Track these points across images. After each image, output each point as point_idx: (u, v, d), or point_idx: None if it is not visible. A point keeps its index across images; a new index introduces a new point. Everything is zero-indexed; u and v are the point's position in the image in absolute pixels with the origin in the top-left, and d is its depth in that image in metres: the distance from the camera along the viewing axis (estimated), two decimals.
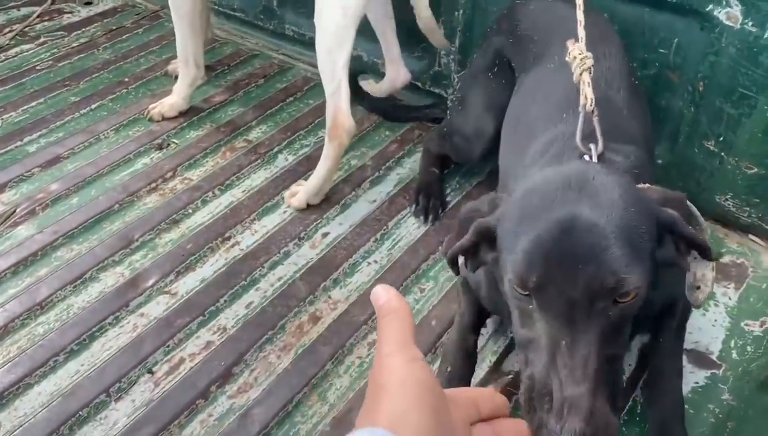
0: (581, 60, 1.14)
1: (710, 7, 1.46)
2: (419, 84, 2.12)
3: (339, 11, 1.59)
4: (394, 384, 0.49)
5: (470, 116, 1.65)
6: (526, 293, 0.83)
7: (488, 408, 0.59)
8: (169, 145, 1.96)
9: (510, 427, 0.61)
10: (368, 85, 2.12)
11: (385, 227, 1.70)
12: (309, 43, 2.30)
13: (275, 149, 1.95)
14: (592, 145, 1.04)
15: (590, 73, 1.14)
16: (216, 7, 2.52)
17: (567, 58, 1.17)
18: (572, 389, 0.76)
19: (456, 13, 1.92)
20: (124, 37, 2.46)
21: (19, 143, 1.93)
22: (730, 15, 1.43)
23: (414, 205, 1.74)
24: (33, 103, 2.09)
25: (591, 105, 1.09)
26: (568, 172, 0.88)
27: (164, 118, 2.03)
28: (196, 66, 1.99)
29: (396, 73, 2.02)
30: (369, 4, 1.78)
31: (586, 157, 1.03)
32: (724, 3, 1.44)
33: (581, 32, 1.20)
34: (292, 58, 2.37)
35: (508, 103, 1.48)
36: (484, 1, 1.86)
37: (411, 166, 1.91)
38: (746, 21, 1.42)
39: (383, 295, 0.57)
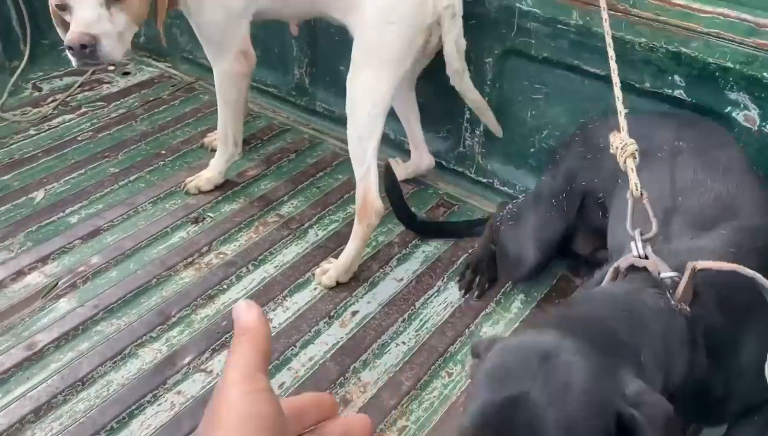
0: (623, 148, 1.21)
1: (728, 109, 1.53)
2: (443, 162, 2.20)
3: (369, 103, 1.69)
4: (233, 421, 0.45)
5: (518, 239, 1.67)
6: None
7: (313, 417, 0.55)
8: (204, 219, 2.04)
9: (335, 428, 0.56)
10: (396, 164, 2.20)
11: (412, 307, 1.75)
12: (338, 119, 2.42)
13: (306, 224, 2.02)
14: (636, 231, 1.08)
15: (635, 158, 1.20)
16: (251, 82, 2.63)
17: (611, 150, 1.24)
18: None
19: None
20: (161, 108, 2.58)
21: (61, 214, 2.02)
22: (747, 117, 1.51)
23: (460, 277, 1.80)
24: (74, 174, 2.19)
25: (637, 189, 1.14)
26: (540, 342, 0.87)
27: (200, 192, 2.11)
28: (235, 144, 2.08)
29: (420, 158, 2.11)
30: (397, 95, 1.89)
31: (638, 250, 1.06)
32: (741, 106, 1.51)
33: (622, 122, 1.27)
34: (322, 133, 2.47)
35: (560, 239, 1.52)
36: (510, 90, 1.95)
37: (436, 243, 1.97)
38: (763, 124, 1.49)
39: (243, 312, 0.51)
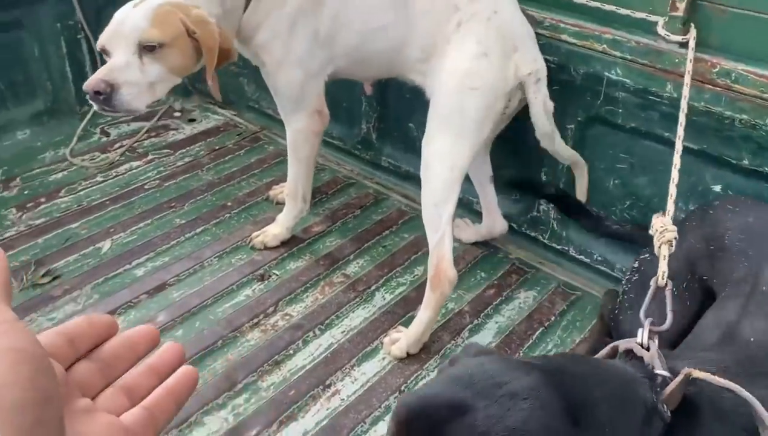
0: (661, 233, 1.14)
1: None
2: (515, 226, 2.13)
3: (447, 168, 1.64)
4: None
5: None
6: None
7: (88, 341, 0.50)
8: (270, 276, 2.00)
9: (116, 345, 0.51)
10: (465, 226, 2.14)
11: None
12: (404, 175, 2.38)
13: (372, 287, 1.97)
14: (648, 320, 0.99)
15: (671, 246, 1.12)
16: None
17: (650, 231, 1.17)
18: None
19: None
20: (226, 158, 2.58)
21: (127, 266, 2.00)
22: None
23: None
24: (141, 224, 2.18)
25: (663, 279, 1.06)
26: (519, 379, 0.81)
27: (266, 248, 2.08)
28: (304, 200, 2.05)
29: (493, 222, 2.05)
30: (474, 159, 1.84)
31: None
32: None
33: (670, 206, 1.21)
34: (387, 188, 2.43)
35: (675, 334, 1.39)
36: (592, 157, 1.88)
37: (509, 314, 1.89)
38: None
39: None
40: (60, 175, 2.43)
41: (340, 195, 2.39)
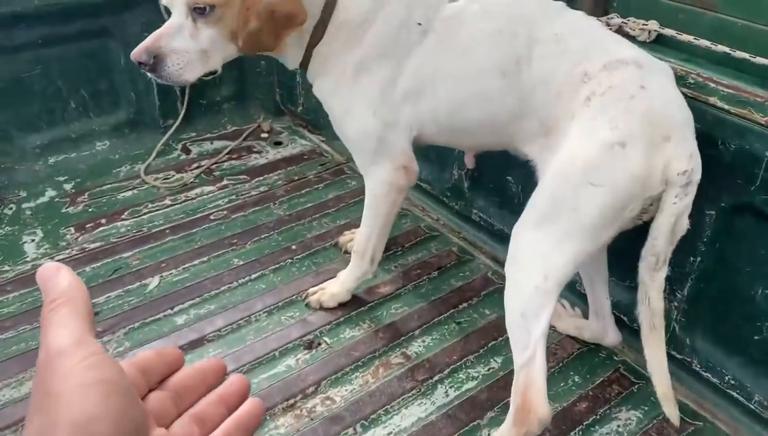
0: None
1: None
2: (626, 320, 1.71)
3: (540, 274, 1.27)
4: (73, 390, 0.39)
5: None
6: None
7: (159, 371, 0.51)
8: (320, 344, 1.72)
9: (186, 376, 0.52)
10: (563, 311, 1.76)
11: None
12: (495, 234, 2.03)
13: (435, 377, 1.63)
14: None
15: None
16: None
17: None
18: None
19: (692, 258, 1.51)
20: (302, 191, 2.34)
21: (169, 312, 1.80)
22: None
23: None
24: (196, 262, 1.98)
25: None
26: None
27: (321, 308, 1.81)
28: (372, 262, 1.75)
29: (602, 330, 1.65)
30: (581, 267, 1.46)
31: None
32: None
33: None
34: (474, 247, 2.08)
35: None
36: (734, 255, 1.44)
37: None
38: None
39: (52, 275, 0.44)
40: (129, 193, 2.29)
41: (418, 249, 2.07)
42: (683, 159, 1.20)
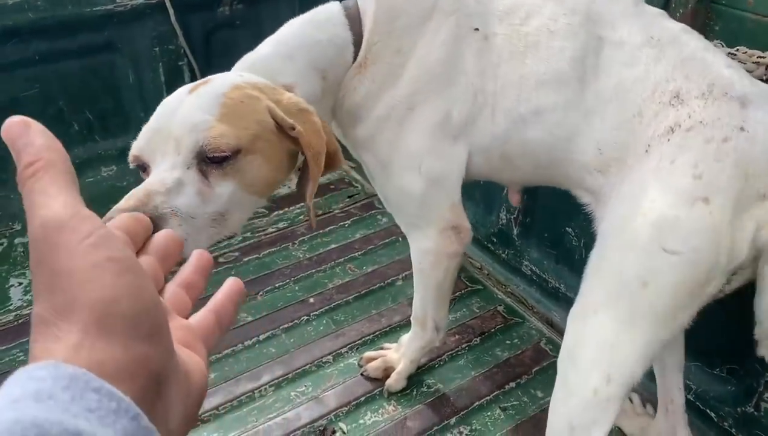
0: None
1: None
2: (714, 416, 1.37)
3: (601, 374, 0.96)
4: (86, 269, 0.35)
5: None
6: None
7: (140, 234, 0.49)
8: (334, 432, 1.43)
9: (163, 237, 0.50)
10: (629, 408, 1.42)
11: None
12: (550, 293, 1.71)
13: None
14: None
15: None
16: None
17: None
18: None
19: None
20: (326, 229, 2.05)
21: None
22: None
23: None
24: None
25: None
26: None
27: (389, 393, 1.51)
28: (436, 330, 1.44)
29: (671, 429, 1.30)
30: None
31: None
32: None
33: None
34: (525, 306, 1.76)
35: None
36: None
37: None
38: None
39: (19, 130, 0.38)
40: None
41: (457, 307, 1.76)
42: None
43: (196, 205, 0.91)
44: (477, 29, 1.13)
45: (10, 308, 1.74)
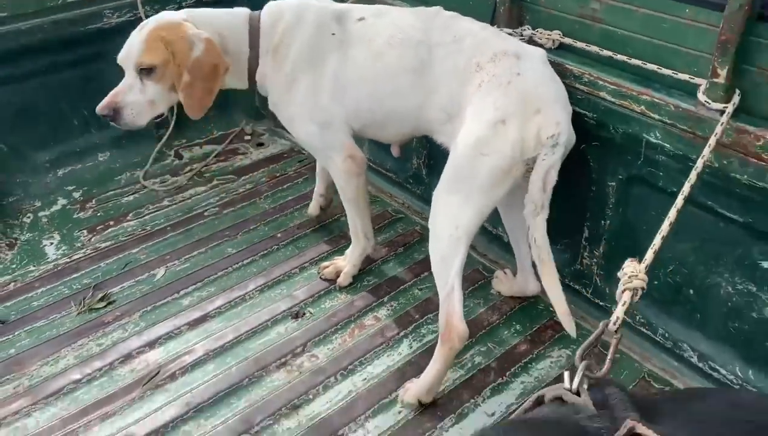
0: (630, 278, 1.06)
1: None
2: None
3: (453, 226, 1.62)
4: None
5: None
6: None
7: None
8: (304, 314, 2.05)
9: None
10: (504, 277, 2.09)
11: None
12: None
13: (401, 333, 1.97)
14: (583, 363, 0.85)
15: (635, 296, 1.06)
16: (371, 163, 2.64)
17: (619, 273, 1.10)
18: None
19: (602, 222, 1.85)
20: (284, 186, 2.66)
21: (176, 296, 2.12)
22: None
23: None
24: (195, 253, 2.30)
25: (616, 325, 0.97)
26: None
27: (341, 288, 2.13)
28: (366, 238, 2.09)
29: (525, 282, 1.99)
30: (508, 214, 1.80)
31: None
32: None
33: (648, 255, 1.16)
34: None
35: None
36: (634, 217, 1.77)
37: (538, 374, 1.83)
38: None
39: None
40: (131, 197, 2.60)
41: (386, 230, 2.40)
42: (551, 126, 1.54)
43: (138, 98, 1.81)
44: (333, 34, 1.82)
45: (49, 260, 2.29)
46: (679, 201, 1.26)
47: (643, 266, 1.11)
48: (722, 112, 1.42)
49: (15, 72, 2.43)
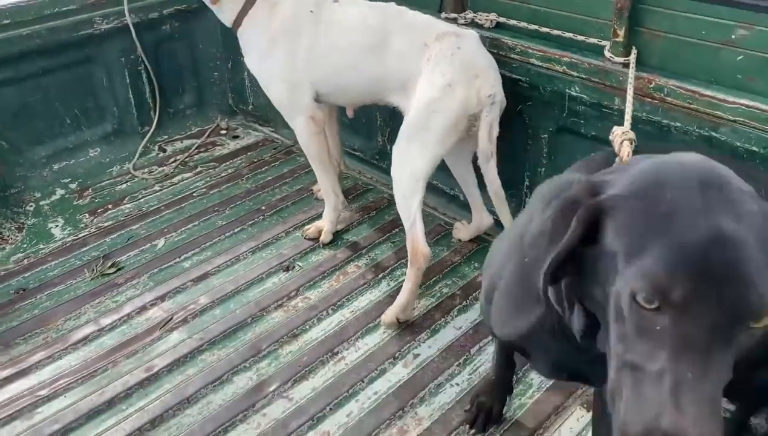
0: (623, 133, 1.33)
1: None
2: None
3: (410, 171, 1.99)
4: None
5: None
6: (654, 306, 0.70)
7: None
8: (294, 267, 2.37)
9: None
10: (462, 226, 2.46)
11: (468, 353, 1.98)
12: None
13: (380, 275, 2.31)
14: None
15: (631, 144, 1.27)
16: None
17: (611, 136, 1.34)
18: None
19: (539, 169, 2.24)
20: (263, 169, 2.98)
21: (177, 260, 2.41)
22: None
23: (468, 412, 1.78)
24: (189, 226, 2.59)
25: (627, 158, 1.19)
26: (700, 167, 0.76)
27: (323, 245, 2.45)
28: (335, 194, 2.42)
29: (480, 218, 2.36)
30: (456, 164, 2.17)
31: None
32: None
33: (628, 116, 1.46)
34: None
35: None
36: (564, 162, 2.17)
37: None
38: None
39: None
40: (124, 186, 2.88)
41: (359, 199, 2.75)
42: (488, 87, 1.93)
43: None
44: (312, 11, 2.15)
45: (57, 239, 2.54)
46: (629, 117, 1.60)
47: (626, 126, 1.38)
48: (624, 65, 1.83)
49: (15, 75, 2.69)
